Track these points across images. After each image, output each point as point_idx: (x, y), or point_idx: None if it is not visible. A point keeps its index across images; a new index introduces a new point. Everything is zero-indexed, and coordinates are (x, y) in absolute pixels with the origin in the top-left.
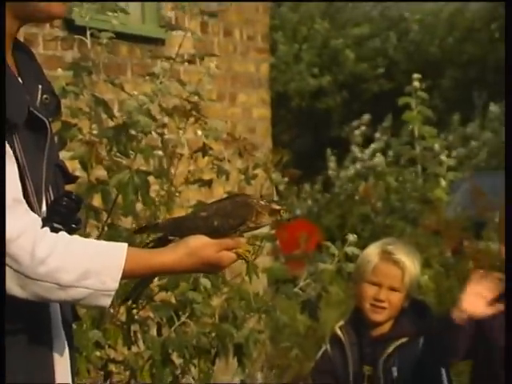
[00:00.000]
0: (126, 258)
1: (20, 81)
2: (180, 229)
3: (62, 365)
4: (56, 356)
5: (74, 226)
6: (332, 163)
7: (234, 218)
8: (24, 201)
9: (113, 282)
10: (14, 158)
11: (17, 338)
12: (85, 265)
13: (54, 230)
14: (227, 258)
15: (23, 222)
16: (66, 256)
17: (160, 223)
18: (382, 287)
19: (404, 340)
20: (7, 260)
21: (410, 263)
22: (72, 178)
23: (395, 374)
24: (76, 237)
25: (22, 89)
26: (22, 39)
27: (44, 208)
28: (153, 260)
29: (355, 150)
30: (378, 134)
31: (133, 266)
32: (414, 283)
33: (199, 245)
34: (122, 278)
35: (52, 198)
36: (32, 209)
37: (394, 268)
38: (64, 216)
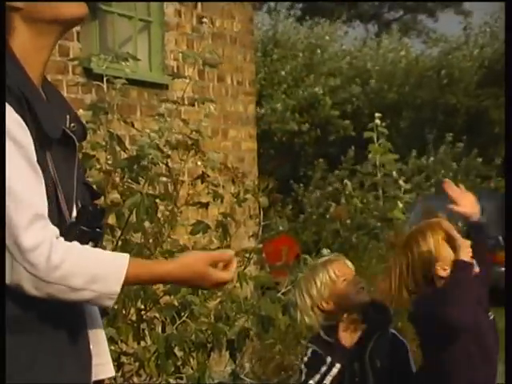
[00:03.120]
0: (128, 266)
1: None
2: None
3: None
4: (92, 339)
5: (98, 229)
6: (300, 190)
7: None
8: (46, 215)
9: (116, 286)
10: (42, 176)
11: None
12: (93, 271)
13: (82, 232)
14: (213, 272)
15: (43, 234)
16: (77, 263)
17: None
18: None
19: (376, 335)
20: (27, 266)
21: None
22: (97, 195)
23: (379, 364)
24: (86, 247)
25: (54, 111)
26: None
27: (74, 215)
28: (152, 269)
29: (317, 176)
30: (344, 164)
31: (134, 273)
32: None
33: (191, 259)
34: (126, 283)
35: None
36: (63, 215)
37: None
38: (90, 221)
